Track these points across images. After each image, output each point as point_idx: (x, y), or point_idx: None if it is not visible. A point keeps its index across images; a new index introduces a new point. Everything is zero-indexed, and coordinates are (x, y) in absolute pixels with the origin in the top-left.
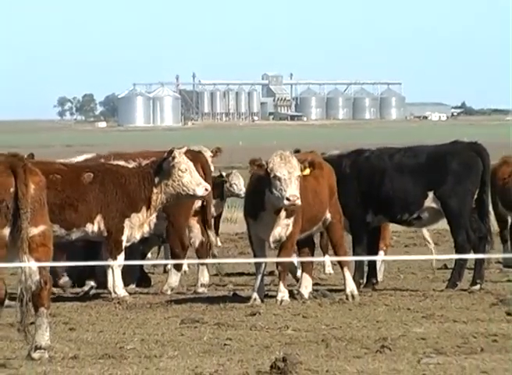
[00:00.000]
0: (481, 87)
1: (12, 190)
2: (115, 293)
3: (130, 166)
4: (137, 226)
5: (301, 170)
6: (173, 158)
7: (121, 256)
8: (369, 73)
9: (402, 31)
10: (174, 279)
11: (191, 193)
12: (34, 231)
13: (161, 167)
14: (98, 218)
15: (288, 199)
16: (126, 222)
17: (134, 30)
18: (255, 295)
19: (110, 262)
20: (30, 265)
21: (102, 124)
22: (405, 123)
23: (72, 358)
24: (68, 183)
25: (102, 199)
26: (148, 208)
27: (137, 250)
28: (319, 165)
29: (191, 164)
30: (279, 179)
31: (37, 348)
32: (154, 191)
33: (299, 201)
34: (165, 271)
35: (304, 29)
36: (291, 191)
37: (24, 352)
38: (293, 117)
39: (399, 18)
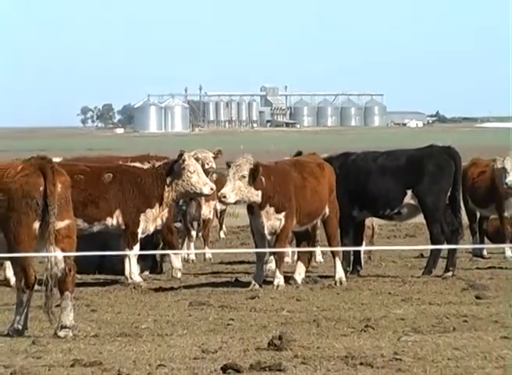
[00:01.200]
0: (453, 98)
1: (41, 188)
2: (131, 279)
3: (145, 167)
4: (151, 220)
5: (253, 175)
6: (183, 161)
7: (137, 246)
8: (355, 85)
9: (384, 49)
10: (176, 261)
11: (198, 191)
12: (60, 225)
13: (173, 168)
14: (117, 213)
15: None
16: (142, 216)
17: (149, 48)
18: (254, 281)
19: (127, 252)
20: (57, 254)
21: (120, 130)
22: (386, 130)
23: (94, 336)
24: (90, 182)
25: (120, 196)
26: (161, 204)
27: (151, 241)
28: (320, 165)
29: (199, 166)
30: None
31: (62, 327)
32: (166, 189)
33: (226, 200)
34: None
35: (297, 47)
36: (222, 189)
37: (51, 331)
38: (287, 124)
39: (381, 38)
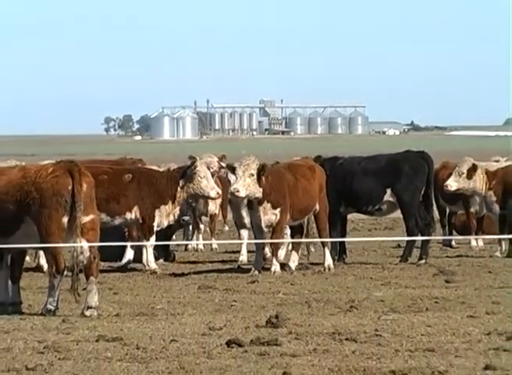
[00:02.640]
0: (426, 110)
1: (69, 188)
2: (148, 266)
3: (161, 170)
4: (165, 215)
5: (260, 173)
6: (195, 167)
7: (153, 238)
8: (341, 98)
9: (366, 67)
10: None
11: (206, 195)
12: (86, 219)
13: (186, 173)
14: (135, 208)
15: (231, 191)
16: (156, 212)
17: (163, 67)
18: (254, 268)
19: (145, 243)
20: (82, 245)
21: (138, 138)
22: (368, 137)
23: (115, 315)
24: (113, 181)
25: (138, 194)
26: (173, 202)
27: (165, 233)
28: (311, 168)
29: (209, 172)
30: (236, 176)
31: (88, 308)
32: (179, 190)
33: (239, 194)
34: (186, 249)
35: (291, 67)
36: (235, 185)
37: (79, 311)
38: (283, 132)
39: (364, 59)
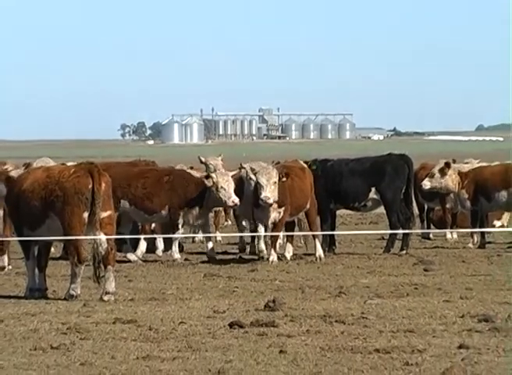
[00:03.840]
0: (407, 117)
1: (89, 187)
2: (172, 256)
3: (197, 175)
4: (194, 216)
5: (279, 179)
6: (214, 177)
7: (178, 232)
8: (331, 107)
9: (353, 79)
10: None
11: (223, 203)
12: (104, 214)
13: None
14: (167, 207)
15: (261, 199)
16: (181, 212)
17: (173, 79)
18: (272, 257)
19: (172, 235)
20: (101, 237)
21: (150, 142)
22: (355, 142)
23: (130, 300)
24: (152, 183)
25: (169, 195)
26: (201, 206)
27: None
28: (302, 169)
29: (229, 184)
30: (260, 185)
31: (106, 293)
32: (206, 196)
33: (270, 201)
34: (193, 241)
35: (286, 79)
36: (265, 193)
37: (98, 296)
38: (279, 137)
39: (351, 71)
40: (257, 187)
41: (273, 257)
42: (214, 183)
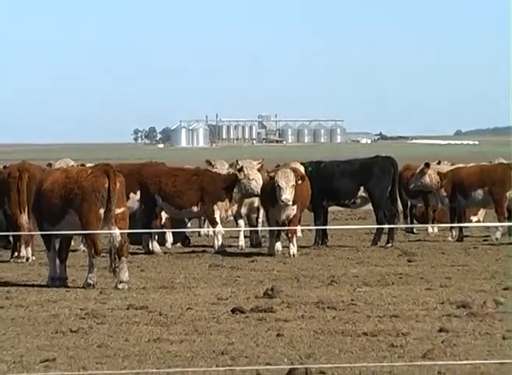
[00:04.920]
0: (391, 123)
1: (105, 186)
2: (215, 248)
3: (224, 172)
4: (223, 210)
5: (296, 182)
6: (245, 170)
7: (218, 226)
8: (323, 113)
9: (344, 89)
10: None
11: (255, 192)
12: (118, 211)
13: (238, 176)
14: (198, 204)
15: (282, 201)
16: (215, 207)
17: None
18: (269, 251)
19: (210, 229)
20: (115, 232)
21: (161, 146)
22: (345, 145)
23: (142, 288)
24: (182, 181)
25: (200, 191)
26: (230, 200)
27: (183, 222)
28: (296, 170)
29: (258, 175)
30: (279, 187)
31: (120, 282)
32: (235, 189)
33: (289, 203)
34: (199, 235)
35: (283, 88)
36: (285, 196)
37: (113, 284)
38: (277, 141)
39: (342, 81)
40: (277, 189)
41: (293, 250)
42: (245, 175)
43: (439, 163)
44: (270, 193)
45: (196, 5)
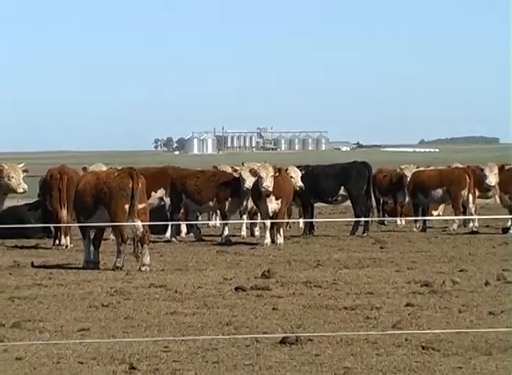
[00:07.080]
0: (367, 134)
1: (130, 185)
2: (225, 235)
3: (236, 174)
4: (234, 205)
5: (274, 173)
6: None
7: (227, 219)
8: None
9: (327, 105)
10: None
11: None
12: (140, 206)
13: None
14: (214, 199)
15: (263, 188)
16: (227, 203)
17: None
18: (266, 240)
19: (222, 221)
20: (138, 224)
21: (176, 153)
22: (329, 152)
23: (161, 270)
24: (202, 181)
25: (216, 189)
26: (240, 197)
27: (195, 214)
28: (281, 170)
29: (247, 175)
30: (260, 177)
31: (143, 265)
32: (244, 188)
33: (270, 189)
34: (208, 226)
35: (278, 105)
36: (266, 183)
37: (137, 267)
38: (272, 149)
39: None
40: (259, 179)
41: (280, 240)
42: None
43: (417, 168)
44: (257, 189)
45: (211, 30)
